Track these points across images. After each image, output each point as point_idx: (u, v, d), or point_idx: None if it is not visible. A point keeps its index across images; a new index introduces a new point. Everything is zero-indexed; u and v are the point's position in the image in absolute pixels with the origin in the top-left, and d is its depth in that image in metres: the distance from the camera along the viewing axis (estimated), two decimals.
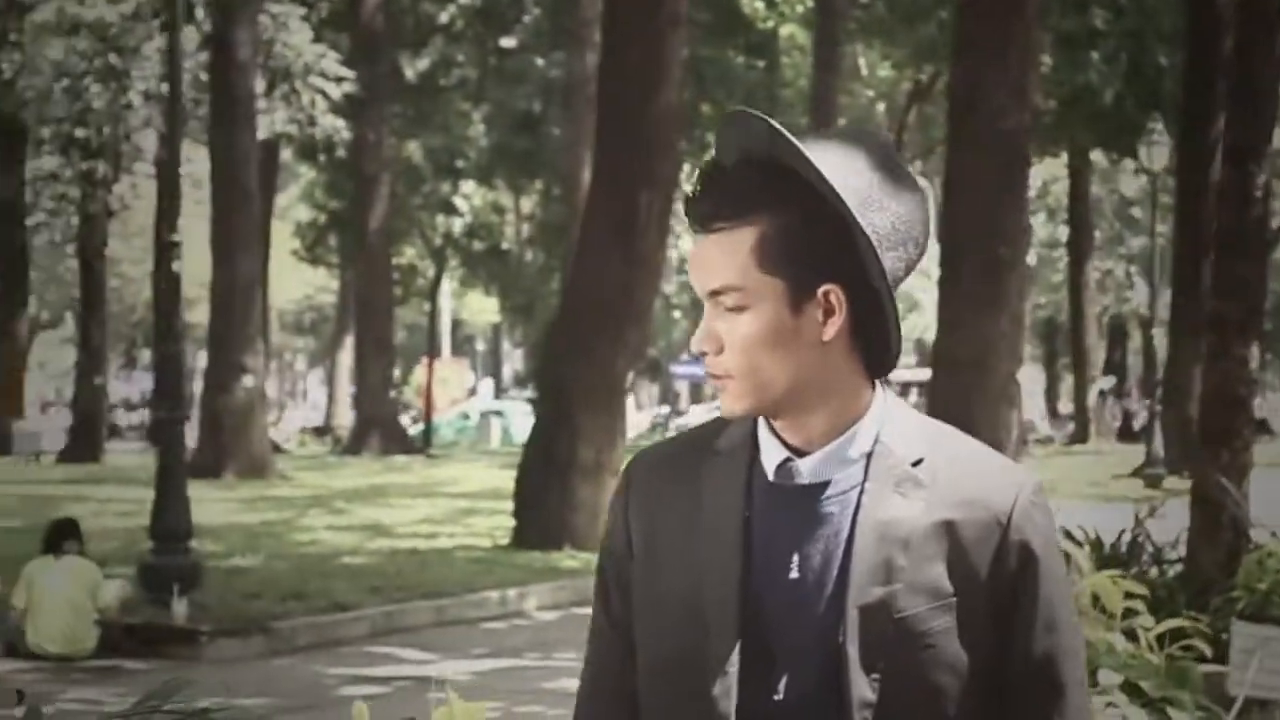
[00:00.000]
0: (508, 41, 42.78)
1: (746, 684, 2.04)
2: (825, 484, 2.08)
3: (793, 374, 2.06)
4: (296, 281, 61.19)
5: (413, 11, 42.50)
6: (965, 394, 15.13)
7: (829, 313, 2.05)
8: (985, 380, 15.41)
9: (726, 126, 2.11)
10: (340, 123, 35.39)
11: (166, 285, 14.86)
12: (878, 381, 2.13)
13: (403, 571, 15.77)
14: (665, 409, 64.79)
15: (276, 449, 39.16)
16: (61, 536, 12.21)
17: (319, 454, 41.56)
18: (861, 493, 2.07)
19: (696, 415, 55.41)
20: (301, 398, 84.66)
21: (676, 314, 58.22)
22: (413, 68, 42.69)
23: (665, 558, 2.14)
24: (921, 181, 2.18)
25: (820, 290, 2.05)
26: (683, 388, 74.10)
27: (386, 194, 38.00)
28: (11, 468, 33.28)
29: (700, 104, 36.93)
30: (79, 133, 33.12)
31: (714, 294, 2.08)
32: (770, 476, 2.11)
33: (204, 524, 16.01)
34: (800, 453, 2.10)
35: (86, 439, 35.69)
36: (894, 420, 2.12)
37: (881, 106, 49.21)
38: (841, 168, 2.05)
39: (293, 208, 54.82)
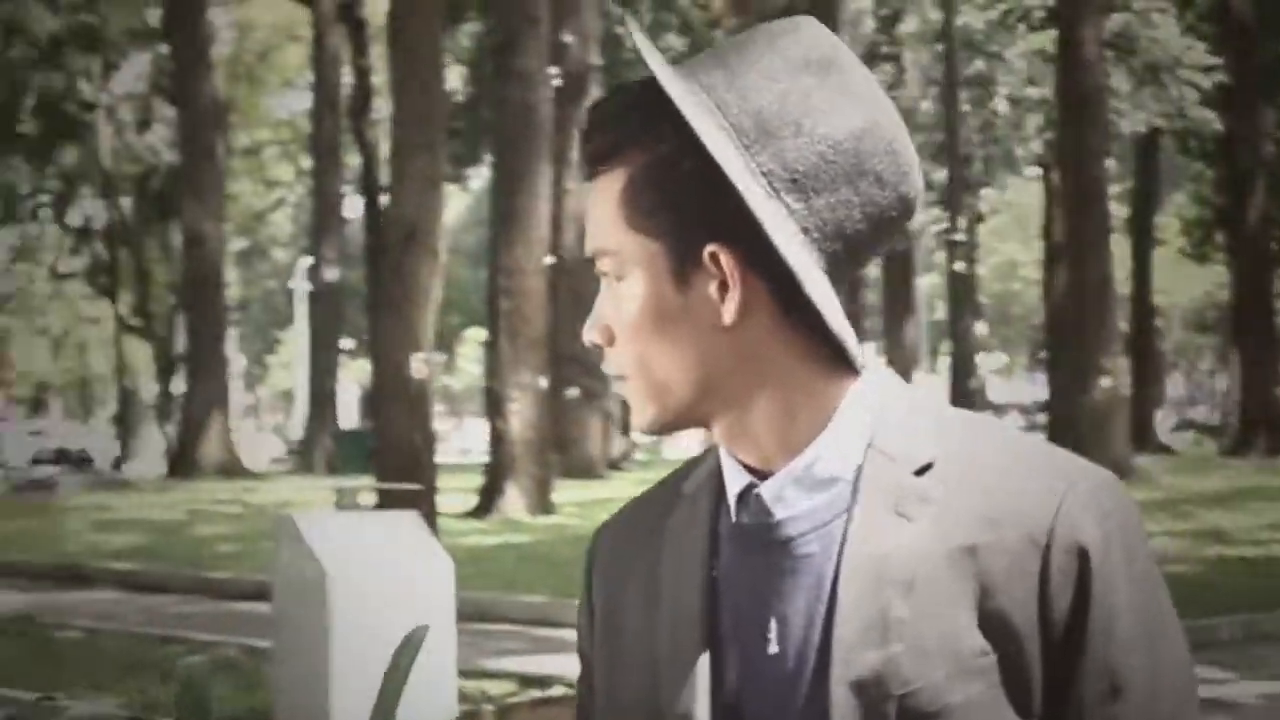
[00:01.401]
0: None
1: None
2: (799, 515, 1.54)
3: (695, 368, 1.54)
4: (1196, 279, 59.78)
5: None
6: None
7: (723, 284, 1.52)
8: None
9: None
10: (1210, 114, 34.30)
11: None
12: (870, 367, 1.58)
13: (1218, 583, 15.03)
14: None
15: (1163, 449, 38.52)
16: None
17: (1205, 454, 40.31)
18: (848, 520, 1.52)
19: None
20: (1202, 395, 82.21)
21: None
22: None
23: (624, 646, 1.64)
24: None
25: (705, 252, 1.51)
26: None
27: (1263, 186, 36.38)
28: None
29: None
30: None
31: (591, 262, 1.61)
32: (733, 515, 1.58)
33: None
34: (762, 475, 1.57)
35: None
36: (893, 416, 1.56)
37: None
38: (732, 78, 1.53)
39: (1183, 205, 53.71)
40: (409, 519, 9.40)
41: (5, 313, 57.27)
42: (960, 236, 12.98)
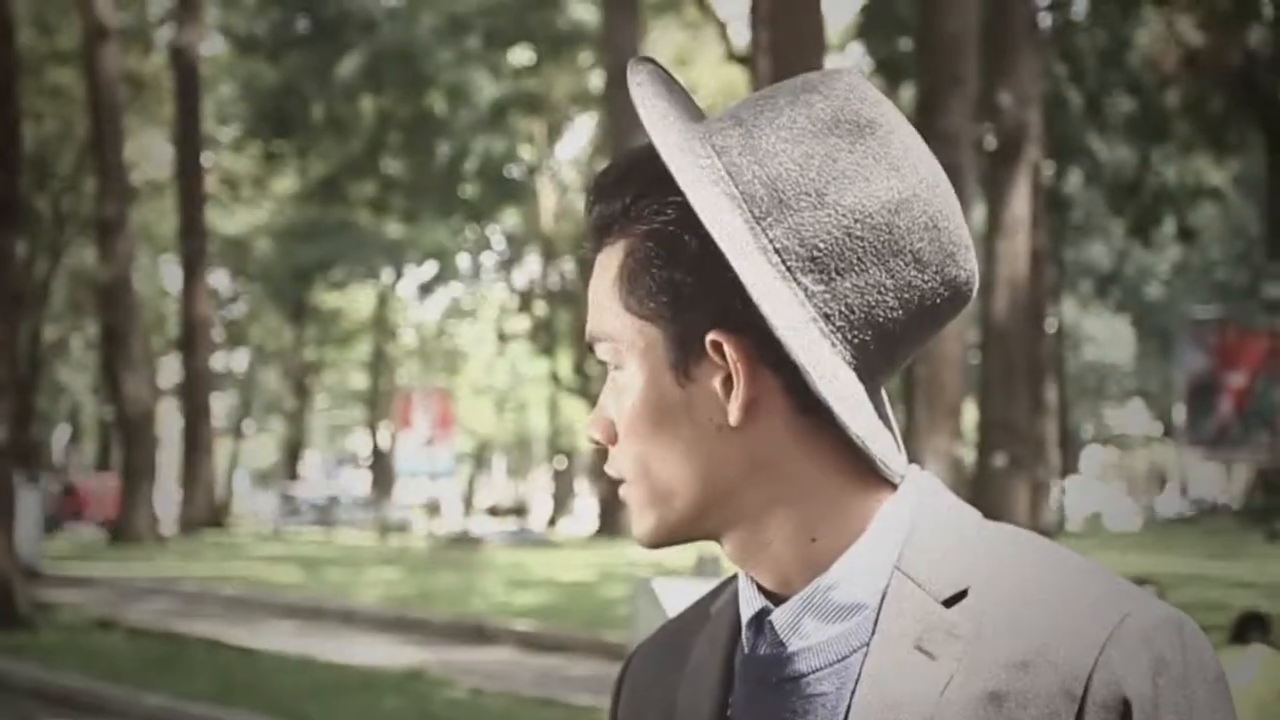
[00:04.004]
0: None
1: None
2: (814, 648, 1.34)
3: (698, 475, 1.34)
4: None
5: None
6: None
7: (728, 379, 1.32)
8: None
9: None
10: None
11: None
12: (905, 476, 1.36)
13: None
14: None
15: None
16: (1247, 628, 11.48)
17: None
18: (865, 656, 1.31)
19: None
20: None
21: None
22: None
23: None
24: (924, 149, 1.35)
25: (707, 341, 1.32)
26: None
27: None
28: None
29: None
30: None
31: (590, 350, 1.41)
32: (745, 644, 1.39)
33: None
34: (779, 599, 1.37)
35: None
36: (925, 534, 1.34)
37: None
38: (748, 139, 1.32)
39: None
40: None
41: (449, 371, 59.34)
42: None
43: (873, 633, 1.32)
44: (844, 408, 1.29)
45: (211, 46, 45.76)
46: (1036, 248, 30.59)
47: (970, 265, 1.36)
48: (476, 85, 40.32)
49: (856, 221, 1.31)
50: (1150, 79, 40.12)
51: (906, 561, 1.33)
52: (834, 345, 1.31)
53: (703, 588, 7.81)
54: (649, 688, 1.51)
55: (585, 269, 1.46)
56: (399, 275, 50.75)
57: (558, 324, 49.03)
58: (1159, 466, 79.03)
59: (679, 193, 1.31)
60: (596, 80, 44.19)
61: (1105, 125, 41.83)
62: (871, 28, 38.36)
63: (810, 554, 1.34)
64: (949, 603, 1.31)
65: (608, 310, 1.37)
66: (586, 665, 16.28)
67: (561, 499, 54.53)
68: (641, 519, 1.38)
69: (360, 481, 64.37)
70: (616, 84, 36.99)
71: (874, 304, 1.31)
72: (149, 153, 47.91)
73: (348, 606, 21.25)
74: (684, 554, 27.00)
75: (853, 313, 1.31)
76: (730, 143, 1.33)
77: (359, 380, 61.84)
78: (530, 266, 52.14)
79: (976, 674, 1.27)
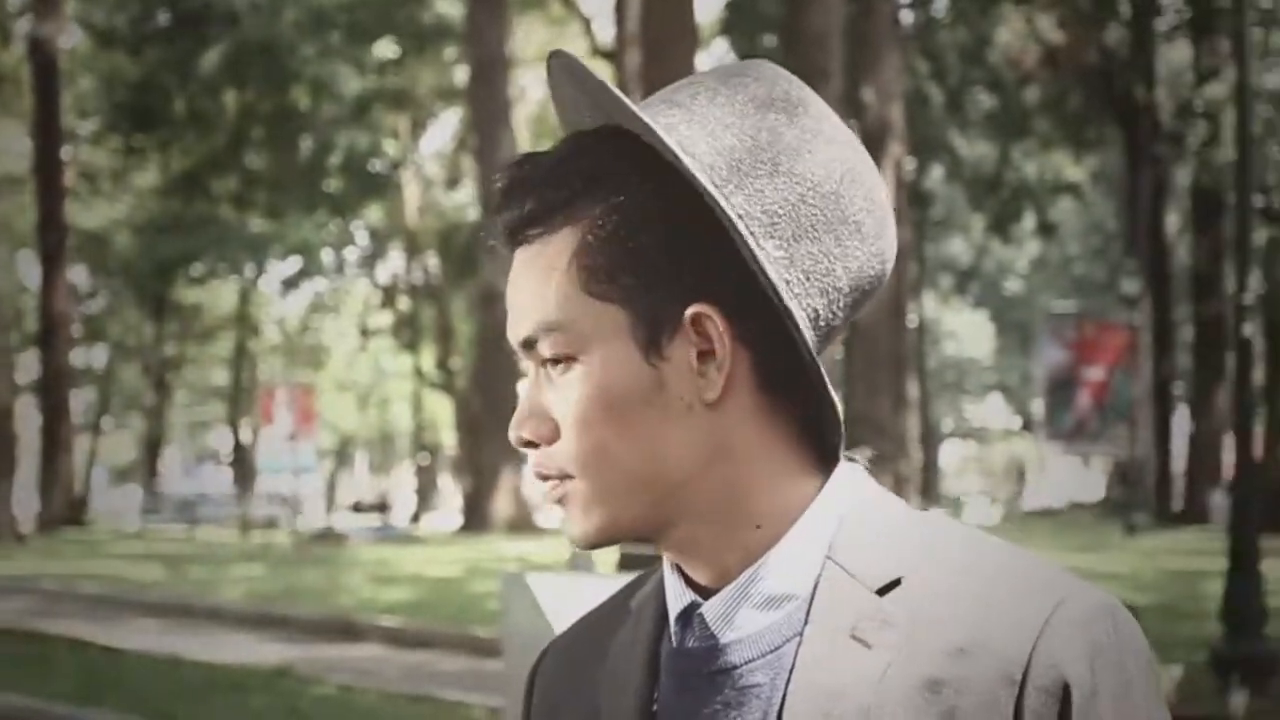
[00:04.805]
0: None
1: None
2: (747, 639, 1.32)
3: (661, 461, 1.31)
4: None
5: None
6: None
7: (707, 352, 1.30)
8: None
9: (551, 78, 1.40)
10: None
11: None
12: (840, 462, 1.36)
13: None
14: None
15: None
16: None
17: None
18: (799, 646, 1.30)
19: None
20: None
21: None
22: None
23: None
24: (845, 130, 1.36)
25: (688, 314, 1.30)
26: None
27: None
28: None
29: None
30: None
31: (527, 346, 1.35)
32: (674, 638, 1.37)
33: None
34: (708, 592, 1.35)
35: None
36: (857, 523, 1.33)
37: None
38: (691, 116, 1.32)
39: None
40: None
41: (313, 366, 58.85)
42: (1249, 299, 12.13)
43: (805, 622, 1.31)
44: (818, 383, 1.30)
45: (71, 39, 45.02)
46: (899, 243, 30.94)
47: (894, 243, 1.38)
48: (340, 79, 40.04)
49: (810, 189, 1.31)
50: (1010, 76, 40.69)
51: (838, 551, 1.32)
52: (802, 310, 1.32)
53: (578, 582, 7.83)
54: (566, 684, 1.48)
55: (494, 266, 1.45)
56: (261, 270, 50.19)
57: (422, 319, 48.80)
58: (1018, 460, 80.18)
59: (637, 172, 1.31)
60: (461, 75, 44.04)
61: (966, 122, 42.40)
62: (736, 23, 38.55)
63: (752, 543, 1.33)
64: (882, 591, 1.30)
65: (555, 300, 1.33)
66: (455, 661, 16.22)
67: (425, 495, 54.26)
68: (587, 517, 1.34)
69: (221, 478, 63.74)
70: (480, 78, 36.91)
71: (825, 272, 1.31)
72: (7, 146, 47.11)
73: (212, 604, 21.01)
74: (556, 549, 26.97)
75: (808, 279, 1.31)
76: (675, 120, 1.32)
77: (220, 376, 61.11)
78: (394, 262, 51.85)
79: (914, 661, 1.26)
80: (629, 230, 1.31)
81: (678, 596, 1.37)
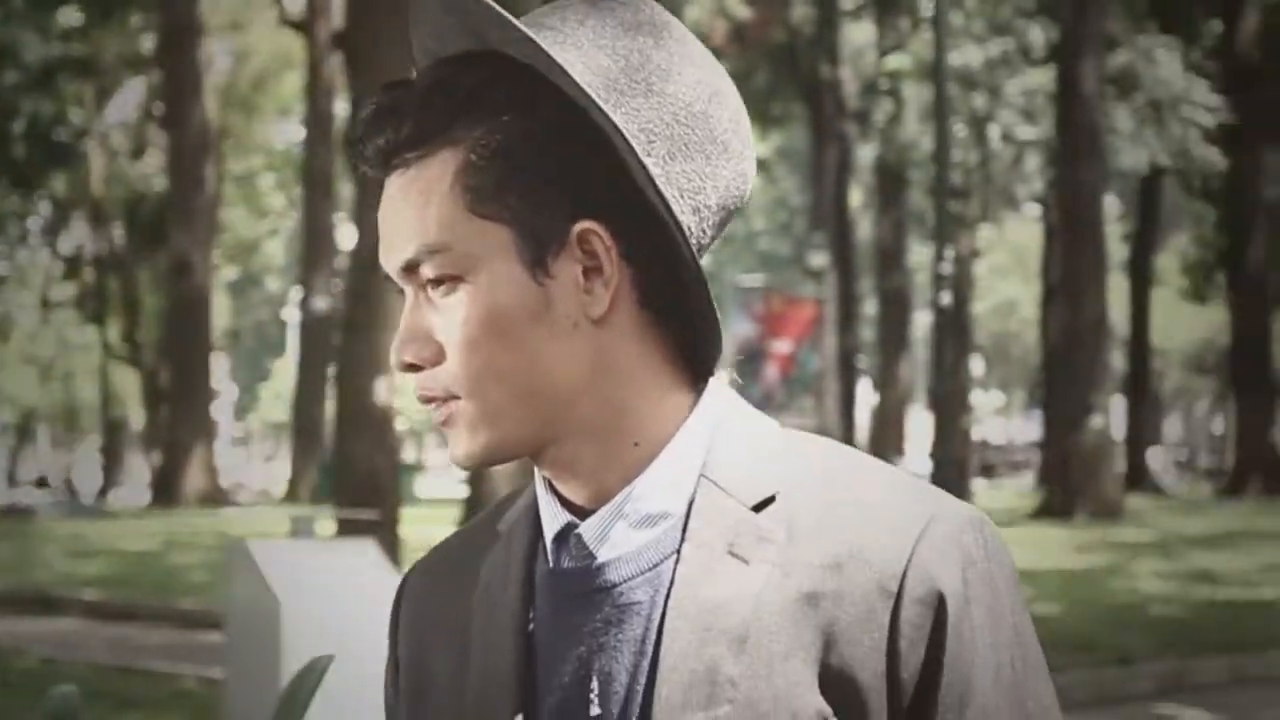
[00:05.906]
0: None
1: None
2: (624, 557, 1.34)
3: (546, 379, 1.33)
4: (1197, 321, 59.45)
5: None
6: None
7: (593, 269, 1.32)
8: None
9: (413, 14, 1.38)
10: (1213, 154, 34.05)
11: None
12: (709, 381, 1.39)
13: (1204, 625, 14.72)
14: None
15: (1157, 490, 38.25)
16: None
17: (1199, 496, 39.96)
18: (677, 563, 1.32)
19: None
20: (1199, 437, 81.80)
21: None
22: None
23: (429, 707, 1.44)
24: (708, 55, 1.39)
25: (574, 231, 1.32)
26: None
27: (1264, 228, 36.12)
28: None
29: None
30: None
31: (408, 270, 1.35)
32: (550, 558, 1.38)
33: (1034, 569, 15.81)
34: (584, 513, 1.37)
35: None
36: (730, 441, 1.36)
37: None
38: (563, 38, 1.34)
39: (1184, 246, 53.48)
40: (367, 548, 9.09)
41: None
42: (946, 269, 12.69)
43: (682, 540, 1.32)
44: (703, 302, 1.33)
45: None
46: None
47: (755, 161, 1.40)
48: (23, 45, 38.83)
49: (681, 109, 1.33)
50: None
51: (712, 469, 1.34)
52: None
53: (300, 548, 7.92)
54: (436, 608, 1.47)
55: (365, 195, 1.51)
56: None
57: (108, 291, 47.65)
58: None
59: (519, 92, 1.32)
60: (148, 43, 43.06)
61: None
62: None
63: (630, 460, 1.34)
64: (758, 508, 1.33)
65: (437, 221, 1.33)
66: (160, 633, 16.08)
67: (111, 470, 53.03)
68: (473, 437, 1.34)
69: None
70: (169, 46, 36.23)
71: (696, 190, 1.33)
72: None
73: None
74: (250, 520, 26.66)
75: (683, 197, 1.33)
76: (548, 41, 1.33)
77: None
78: (77, 232, 50.47)
79: (791, 576, 1.29)
80: (514, 150, 1.31)
81: (553, 517, 1.38)
